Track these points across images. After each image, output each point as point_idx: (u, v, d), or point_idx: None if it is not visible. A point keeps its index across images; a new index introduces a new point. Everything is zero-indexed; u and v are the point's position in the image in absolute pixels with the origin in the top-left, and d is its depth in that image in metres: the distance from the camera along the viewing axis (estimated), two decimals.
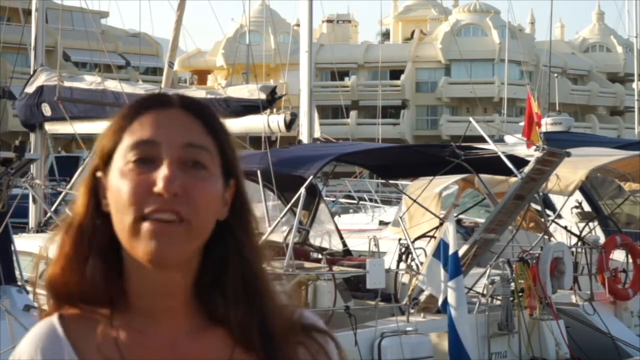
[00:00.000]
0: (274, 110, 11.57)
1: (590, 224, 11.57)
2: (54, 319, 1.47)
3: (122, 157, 1.42)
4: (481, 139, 10.56)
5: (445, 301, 8.59)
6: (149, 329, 1.45)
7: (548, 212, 12.22)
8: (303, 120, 14.35)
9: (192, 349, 1.46)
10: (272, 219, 9.96)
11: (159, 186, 1.38)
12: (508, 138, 15.51)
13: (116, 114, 1.48)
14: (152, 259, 1.39)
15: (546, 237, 10.79)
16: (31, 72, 13.13)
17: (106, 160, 1.45)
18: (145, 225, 1.38)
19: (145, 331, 1.45)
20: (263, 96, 11.01)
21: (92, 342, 1.44)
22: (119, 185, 1.41)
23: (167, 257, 1.39)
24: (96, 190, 1.45)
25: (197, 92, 13.20)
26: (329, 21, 65.90)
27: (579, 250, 10.97)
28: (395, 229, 12.99)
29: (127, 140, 1.43)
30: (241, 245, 1.48)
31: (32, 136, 13.18)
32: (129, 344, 1.44)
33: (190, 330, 1.47)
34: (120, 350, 1.43)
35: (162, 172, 1.39)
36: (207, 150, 1.44)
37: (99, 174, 1.46)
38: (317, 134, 14.74)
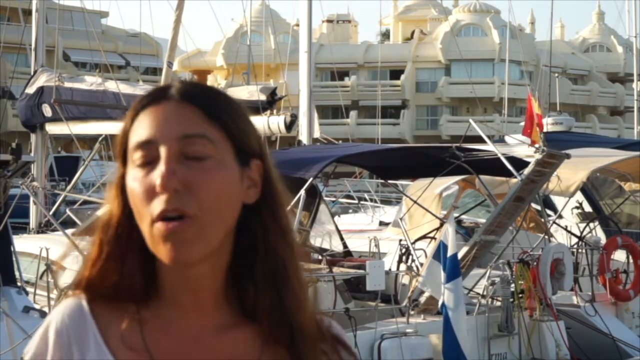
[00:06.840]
0: (274, 111, 11.55)
1: (591, 225, 11.56)
2: (82, 298, 1.45)
3: (131, 162, 1.41)
4: (482, 139, 10.55)
5: (444, 303, 8.56)
6: (176, 321, 1.43)
7: (549, 212, 12.20)
8: (303, 120, 14.31)
9: (217, 345, 1.43)
10: None
11: (157, 184, 1.36)
12: (509, 139, 15.48)
13: (124, 116, 1.46)
14: (172, 260, 1.37)
15: (546, 237, 10.78)
16: (31, 73, 13.12)
17: (123, 162, 1.43)
18: (157, 228, 1.36)
19: (171, 323, 1.43)
20: (263, 97, 10.99)
21: (116, 327, 1.42)
22: (131, 192, 1.39)
23: (185, 257, 1.37)
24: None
25: None
26: (329, 21, 65.91)
27: (580, 250, 10.96)
28: (396, 229, 12.96)
29: (131, 142, 1.41)
30: (267, 228, 1.43)
31: (32, 137, 13.17)
32: (154, 334, 1.42)
33: (218, 326, 1.44)
34: (143, 339, 1.41)
35: (159, 170, 1.36)
36: (208, 138, 1.38)
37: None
38: (317, 134, 14.70)
